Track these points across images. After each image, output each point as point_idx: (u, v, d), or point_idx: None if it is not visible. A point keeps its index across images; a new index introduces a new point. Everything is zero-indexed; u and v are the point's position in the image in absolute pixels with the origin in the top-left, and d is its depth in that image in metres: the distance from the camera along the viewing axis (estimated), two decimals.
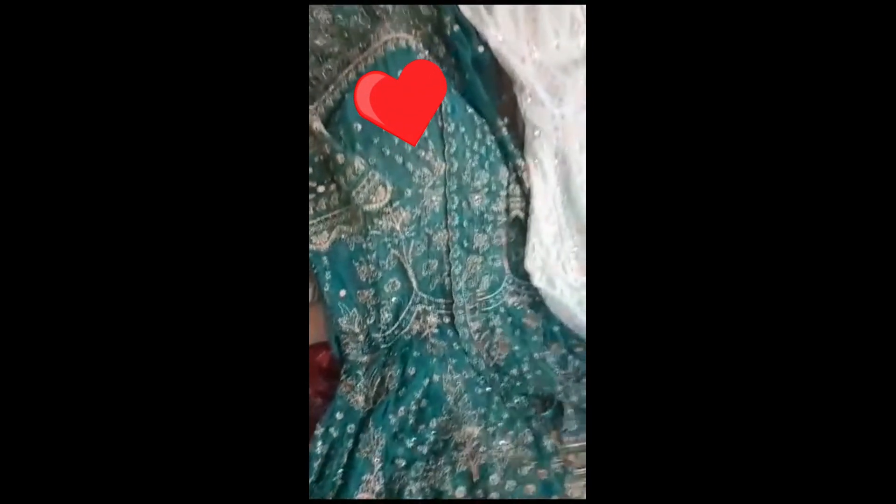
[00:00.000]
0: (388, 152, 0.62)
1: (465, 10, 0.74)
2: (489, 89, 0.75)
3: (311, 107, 0.63)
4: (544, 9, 0.75)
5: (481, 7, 0.74)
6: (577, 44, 0.76)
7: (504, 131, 0.72)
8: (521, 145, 0.76)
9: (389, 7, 0.71)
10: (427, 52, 0.65)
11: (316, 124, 0.58)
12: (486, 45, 0.74)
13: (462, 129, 0.66)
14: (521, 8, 0.76)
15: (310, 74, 0.65)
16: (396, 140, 0.62)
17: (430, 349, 0.64)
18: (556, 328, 0.70)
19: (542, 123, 0.75)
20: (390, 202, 0.60)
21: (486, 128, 0.70)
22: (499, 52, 0.74)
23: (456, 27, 0.71)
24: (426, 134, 0.63)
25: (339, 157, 0.58)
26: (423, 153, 0.63)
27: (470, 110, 0.69)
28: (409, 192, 0.63)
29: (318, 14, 0.68)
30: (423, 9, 0.72)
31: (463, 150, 0.66)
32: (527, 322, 0.71)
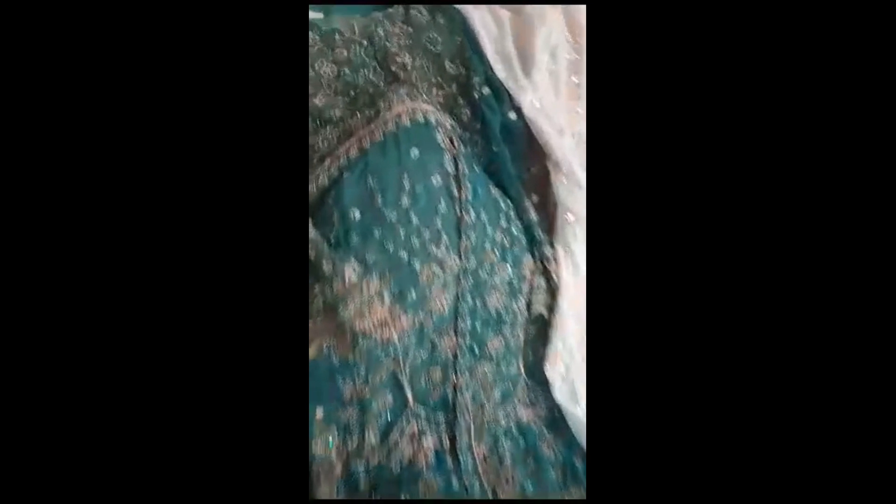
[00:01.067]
0: (391, 248, 0.50)
1: (499, 70, 0.63)
2: (518, 160, 0.64)
3: None
4: None
5: (517, 68, 0.63)
6: None
7: (532, 213, 0.61)
8: (550, 229, 0.65)
9: (408, 60, 0.60)
10: (447, 123, 0.54)
11: None
12: (518, 110, 0.64)
13: (484, 218, 0.55)
14: (563, 68, 0.66)
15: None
16: (403, 233, 0.50)
17: (423, 489, 0.52)
18: (577, 462, 0.58)
19: (577, 207, 0.63)
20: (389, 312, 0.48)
21: (512, 212, 0.58)
22: (533, 121, 0.63)
23: (486, 89, 0.60)
24: (440, 225, 0.52)
25: (326, 265, 0.47)
26: (434, 248, 0.52)
27: (494, 192, 0.57)
28: (413, 295, 0.51)
29: (322, 67, 0.57)
30: (449, 66, 0.61)
31: (482, 243, 0.55)
32: (543, 448, 0.59)
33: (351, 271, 0.47)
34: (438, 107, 0.60)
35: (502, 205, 0.57)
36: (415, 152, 0.51)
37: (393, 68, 0.59)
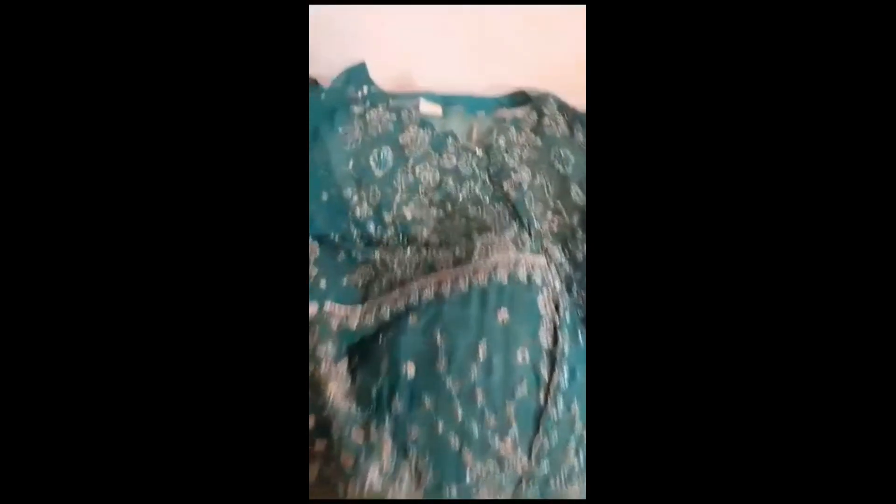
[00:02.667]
0: (440, 428, 0.37)
1: None
2: None
3: (361, 307, 0.41)
4: None
5: None
6: None
7: None
8: None
9: (525, 178, 0.49)
10: (555, 281, 0.41)
11: (333, 385, 0.36)
12: None
13: (576, 410, 0.40)
14: None
15: (377, 254, 0.45)
16: (461, 412, 0.37)
17: None
18: None
19: None
20: None
21: None
22: None
23: None
24: (512, 412, 0.38)
25: (345, 457, 0.35)
26: (496, 441, 0.38)
27: None
28: (452, 491, 0.38)
29: (423, 171, 0.48)
30: (576, 192, 0.49)
31: (565, 443, 0.40)
32: None
33: (376, 474, 0.35)
34: (550, 237, 0.49)
35: None
36: (503, 316, 0.38)
37: (505, 186, 0.48)
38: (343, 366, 0.37)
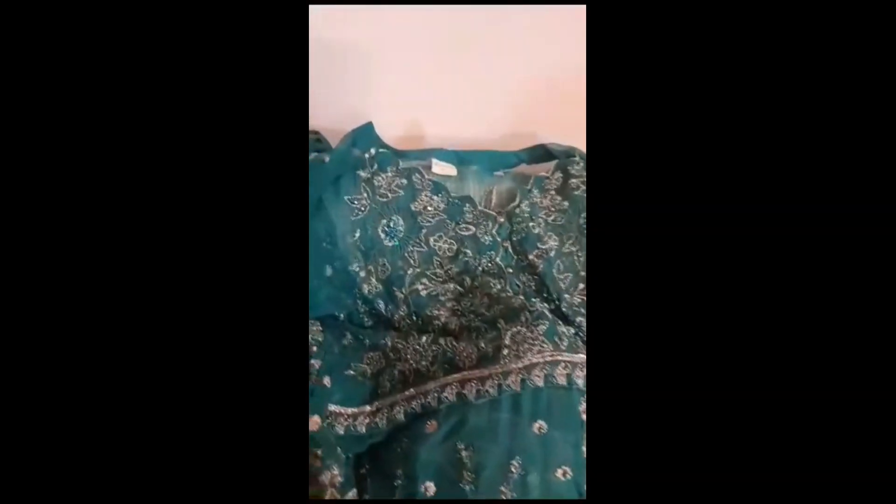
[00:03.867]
0: None
1: None
2: None
3: (370, 407, 0.36)
4: None
5: None
6: None
7: None
8: None
9: (553, 245, 0.43)
10: None
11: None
12: None
13: None
14: None
15: (389, 340, 0.39)
16: None
17: None
18: None
19: None
20: None
21: None
22: None
23: None
24: None
25: None
26: None
27: None
28: None
29: (438, 242, 0.43)
30: None
31: None
32: None
33: None
34: (583, 310, 0.44)
35: None
36: (541, 427, 0.33)
37: (531, 256, 0.43)
38: (352, 495, 0.32)
